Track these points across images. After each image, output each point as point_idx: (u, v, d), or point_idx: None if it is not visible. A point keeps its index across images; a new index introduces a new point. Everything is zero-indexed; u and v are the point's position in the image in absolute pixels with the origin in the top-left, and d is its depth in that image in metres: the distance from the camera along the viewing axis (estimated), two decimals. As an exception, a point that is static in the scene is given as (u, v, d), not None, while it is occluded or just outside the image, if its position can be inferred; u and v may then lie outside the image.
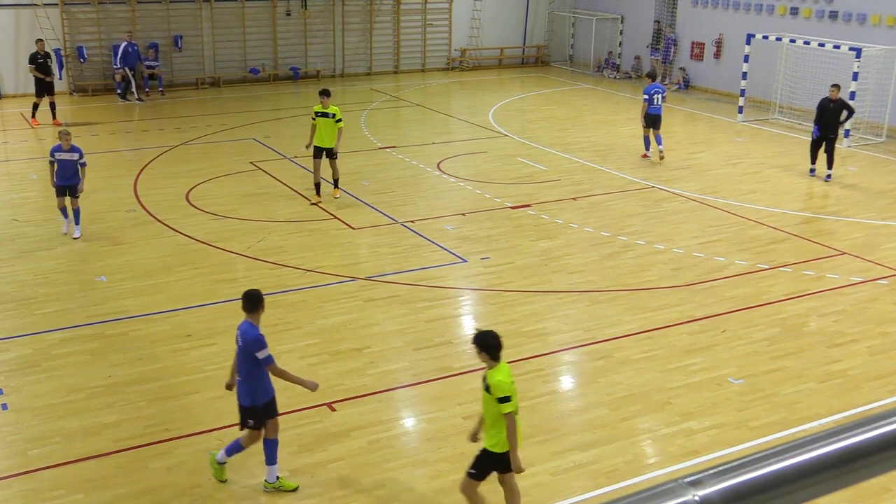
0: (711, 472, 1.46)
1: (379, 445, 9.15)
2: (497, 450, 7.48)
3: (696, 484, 1.44)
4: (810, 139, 19.27)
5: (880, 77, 22.31)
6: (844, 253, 14.72)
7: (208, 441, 9.15)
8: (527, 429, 9.42)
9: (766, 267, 14.06)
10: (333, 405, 9.87)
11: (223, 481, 8.49)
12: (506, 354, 10.96)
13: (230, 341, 11.27)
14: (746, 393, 10.24)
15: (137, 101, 26.42)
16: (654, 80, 20.74)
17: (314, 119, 16.77)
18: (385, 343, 11.39)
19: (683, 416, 9.73)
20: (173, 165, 19.62)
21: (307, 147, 17.09)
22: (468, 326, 12.30)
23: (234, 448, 8.39)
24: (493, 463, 7.58)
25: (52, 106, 23.52)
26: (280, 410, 9.69)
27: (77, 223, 15.02)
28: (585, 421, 9.66)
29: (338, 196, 17.21)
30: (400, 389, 10.37)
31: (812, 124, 19.22)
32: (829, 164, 18.85)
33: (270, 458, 8.42)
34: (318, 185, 17.00)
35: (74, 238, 14.90)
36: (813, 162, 19.19)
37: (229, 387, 8.70)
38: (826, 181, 18.77)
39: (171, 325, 11.85)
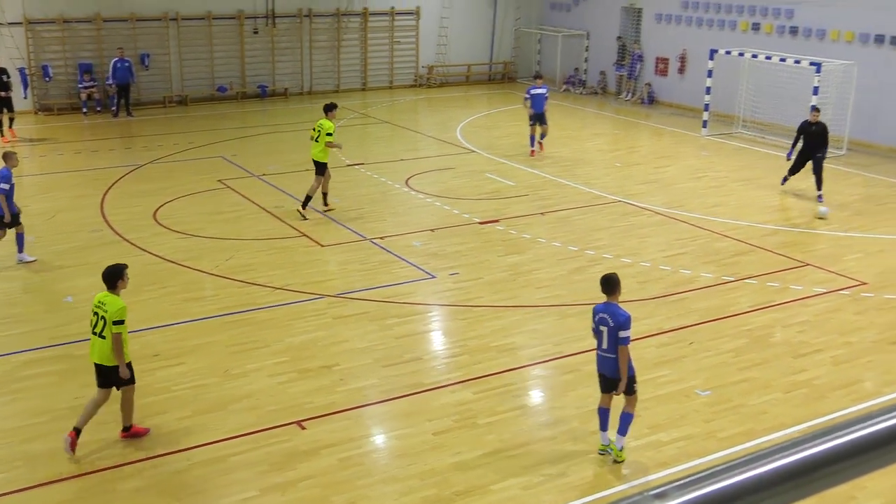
0: (676, 484, 1.46)
1: (349, 463, 9.09)
2: None
3: (661, 496, 1.44)
4: (787, 158, 18.94)
5: (840, 91, 22.65)
6: (808, 264, 14.89)
7: (177, 462, 9.05)
8: (497, 443, 9.43)
9: (732, 279, 14.18)
10: (303, 423, 9.80)
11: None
12: (474, 369, 11.03)
13: (199, 361, 11.23)
14: (714, 404, 10.30)
15: (129, 117, 26.33)
16: (539, 81, 22.75)
17: (331, 135, 17.17)
18: (354, 360, 11.34)
19: (652, 428, 9.76)
20: (140, 184, 19.46)
21: (338, 147, 17.81)
22: (438, 342, 12.29)
23: (627, 421, 9.03)
24: None
25: (10, 121, 23.54)
26: (249, 430, 9.66)
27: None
28: (555, 435, 9.67)
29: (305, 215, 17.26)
30: (370, 406, 10.32)
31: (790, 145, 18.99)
32: (819, 185, 18.40)
33: (623, 429, 9.07)
34: (325, 195, 17.47)
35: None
36: (791, 173, 18.86)
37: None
38: (818, 202, 18.16)
39: (139, 344, 11.69)
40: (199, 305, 13.05)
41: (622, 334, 8.70)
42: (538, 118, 22.08)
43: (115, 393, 9.36)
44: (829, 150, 21.66)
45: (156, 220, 16.93)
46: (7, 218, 14.27)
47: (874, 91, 22.91)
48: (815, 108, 18.95)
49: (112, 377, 9.23)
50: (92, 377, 10.78)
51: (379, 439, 9.84)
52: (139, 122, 26.34)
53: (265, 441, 9.44)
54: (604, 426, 9.13)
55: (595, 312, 8.95)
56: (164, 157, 21.94)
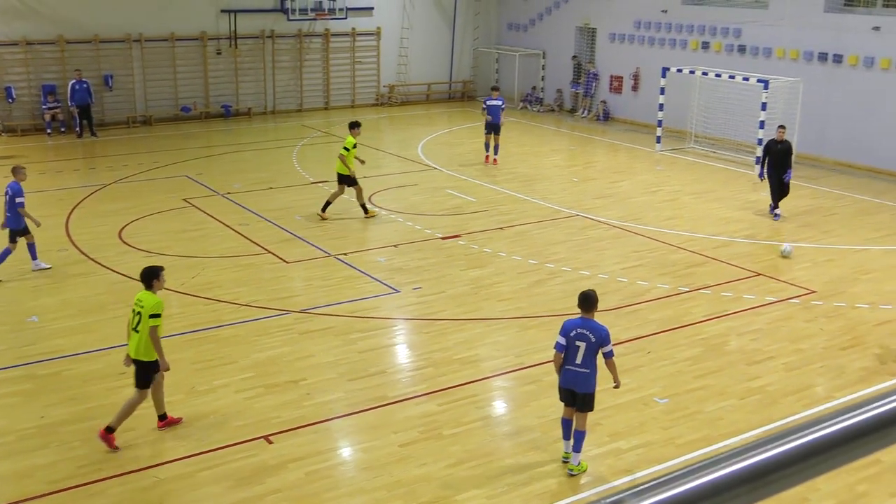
0: (632, 491, 1.46)
1: (317, 476, 9.03)
2: None
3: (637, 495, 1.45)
4: (759, 178, 18.79)
5: (786, 107, 23.00)
6: (759, 274, 15.08)
7: (143, 479, 8.92)
8: (461, 454, 9.42)
9: (687, 290, 14.32)
10: (270, 438, 9.72)
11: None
12: (439, 382, 11.01)
13: (165, 378, 11.05)
14: (672, 411, 10.38)
15: (93, 138, 26.07)
16: (496, 93, 23.41)
17: (349, 151, 17.96)
18: (320, 374, 11.28)
19: (612, 436, 9.81)
20: (105, 204, 19.23)
21: (355, 171, 18.19)
22: (402, 356, 12.26)
23: (581, 438, 9.07)
24: None
25: None
26: (216, 445, 9.55)
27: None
28: (519, 444, 9.68)
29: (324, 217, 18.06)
30: (336, 420, 10.26)
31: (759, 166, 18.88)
32: (777, 199, 18.37)
33: (578, 447, 9.11)
34: (364, 206, 18.18)
35: None
36: (774, 200, 18.45)
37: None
38: (775, 220, 18.30)
39: (105, 363, 11.56)
40: (166, 323, 12.80)
41: (606, 349, 8.79)
42: (494, 128, 22.90)
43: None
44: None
45: (121, 239, 16.74)
46: (1, 228, 14.63)
47: (819, 106, 23.32)
48: (781, 126, 18.56)
49: (144, 372, 9.51)
50: (56, 396, 10.64)
51: (345, 452, 9.79)
52: (103, 142, 26.05)
53: (232, 456, 9.34)
54: (567, 435, 9.14)
55: (571, 328, 8.85)
56: (128, 177, 21.72)
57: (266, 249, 16.17)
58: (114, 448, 9.39)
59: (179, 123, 28.81)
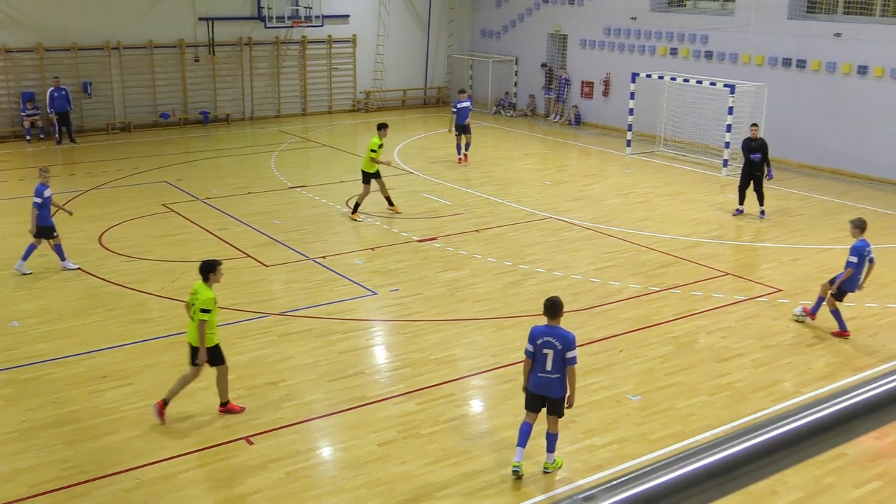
0: (604, 487, 1.48)
1: (297, 476, 9.00)
2: None
3: (589, 499, 1.46)
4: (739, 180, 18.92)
5: (752, 110, 23.20)
6: (727, 274, 15.19)
7: (126, 481, 8.86)
8: (439, 452, 9.42)
9: (658, 289, 14.40)
10: (251, 439, 9.68)
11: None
12: (417, 381, 11.01)
13: (146, 381, 11.01)
14: (644, 408, 10.44)
15: (72, 144, 25.86)
16: (463, 95, 24.25)
17: (375, 151, 18.20)
18: (300, 376, 11.24)
19: (586, 432, 9.85)
20: (85, 209, 19.05)
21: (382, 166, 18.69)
22: (380, 356, 12.25)
23: (554, 440, 9.01)
24: None
25: None
26: (197, 446, 9.50)
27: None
28: (495, 442, 9.69)
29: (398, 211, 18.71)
30: (316, 420, 10.23)
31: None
32: (761, 201, 18.53)
33: (552, 447, 9.03)
34: (388, 199, 18.65)
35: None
36: (741, 202, 18.81)
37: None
38: (761, 217, 18.52)
39: (87, 367, 11.46)
40: (146, 327, 12.82)
41: (570, 354, 8.62)
42: (463, 129, 23.79)
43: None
44: (741, 165, 22.16)
45: (101, 244, 16.60)
46: (33, 230, 14.66)
47: (784, 110, 23.55)
48: (754, 125, 18.73)
49: (192, 355, 9.91)
50: (37, 400, 10.57)
51: (325, 452, 9.76)
52: (83, 148, 25.83)
53: (214, 457, 9.30)
54: (522, 442, 8.91)
55: (537, 335, 8.70)
56: (108, 183, 21.55)
57: (245, 253, 16.09)
58: (162, 421, 9.86)
59: (158, 130, 28.62)
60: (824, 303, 12.73)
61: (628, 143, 25.64)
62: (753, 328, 12.89)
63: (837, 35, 22.55)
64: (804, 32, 23.31)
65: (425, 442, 9.63)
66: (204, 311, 9.70)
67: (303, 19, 30.25)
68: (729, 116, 22.36)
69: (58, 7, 26.70)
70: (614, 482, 1.48)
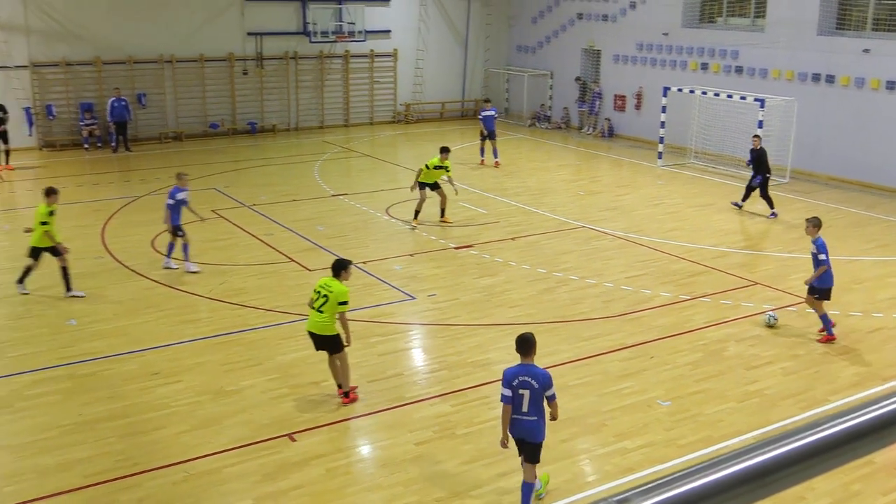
0: (638, 490, 1.47)
1: (337, 473, 9.05)
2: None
3: (623, 502, 1.46)
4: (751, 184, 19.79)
5: (782, 124, 22.97)
6: (757, 283, 15.02)
7: (175, 473, 8.97)
8: (474, 452, 9.42)
9: (688, 298, 14.28)
10: (293, 436, 9.75)
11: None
12: (453, 384, 11.02)
13: (195, 378, 11.14)
14: (674, 413, 10.35)
15: (127, 152, 26.28)
16: (488, 104, 25.55)
17: (429, 169, 18.21)
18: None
19: (618, 436, 9.79)
20: (138, 214, 19.35)
21: (411, 190, 18.66)
22: (418, 359, 12.28)
23: (529, 492, 8.22)
24: None
25: (7, 153, 23.93)
26: (242, 442, 9.59)
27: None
28: (528, 443, 9.65)
29: (450, 223, 18.61)
30: (355, 419, 10.28)
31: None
32: (770, 204, 19.49)
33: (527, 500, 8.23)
34: (418, 212, 18.57)
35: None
36: (743, 200, 19.94)
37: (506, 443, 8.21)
38: (771, 217, 19.36)
39: (139, 364, 11.63)
40: (195, 327, 12.98)
41: (549, 393, 7.94)
42: (490, 134, 24.80)
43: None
44: (772, 177, 21.97)
45: (153, 247, 16.83)
46: (169, 228, 15.21)
47: (813, 124, 23.26)
48: (755, 136, 19.90)
49: (325, 344, 10.35)
50: (93, 395, 10.74)
51: (364, 450, 9.80)
52: (137, 156, 26.21)
53: (258, 453, 9.38)
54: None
55: (512, 376, 7.96)
56: (160, 190, 21.79)
57: (289, 258, 16.22)
58: (355, 399, 10.50)
59: (208, 139, 28.95)
60: (816, 310, 12.71)
61: (660, 155, 25.46)
62: (782, 337, 12.72)
63: (866, 51, 22.22)
64: (833, 48, 23.00)
65: (460, 442, 9.63)
66: (342, 303, 10.10)
67: (346, 34, 30.47)
68: (759, 130, 22.11)
69: (115, 23, 27.16)
70: (647, 485, 1.48)
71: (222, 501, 8.52)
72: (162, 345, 12.27)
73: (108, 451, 9.41)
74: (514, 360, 11.80)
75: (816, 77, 23.42)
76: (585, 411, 10.35)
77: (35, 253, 14.03)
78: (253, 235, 17.74)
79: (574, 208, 20.27)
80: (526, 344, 8.12)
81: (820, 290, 12.44)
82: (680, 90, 24.85)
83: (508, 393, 7.94)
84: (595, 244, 17.35)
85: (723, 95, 23.71)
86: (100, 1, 26.86)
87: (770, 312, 13.23)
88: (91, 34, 26.91)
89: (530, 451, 8.10)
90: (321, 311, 10.15)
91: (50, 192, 14.10)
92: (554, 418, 8.28)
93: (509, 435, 8.10)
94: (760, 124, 22.09)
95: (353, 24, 30.51)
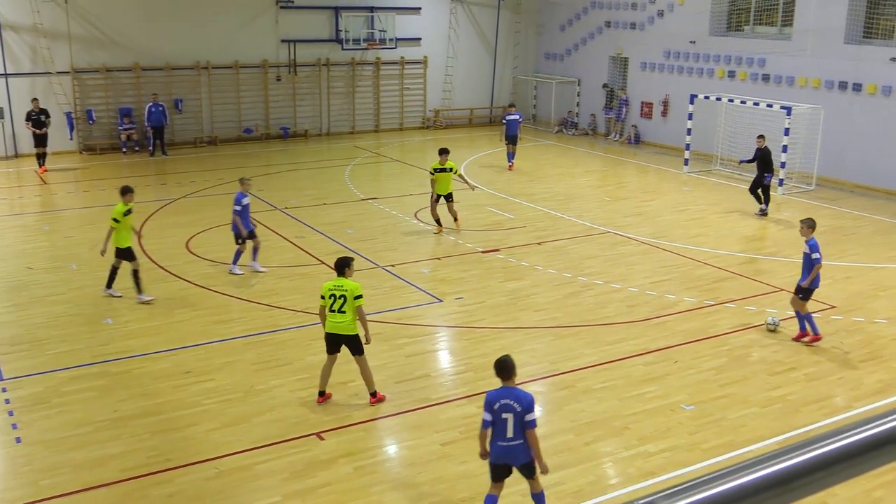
0: (662, 494, 1.46)
1: (364, 471, 9.06)
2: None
3: (669, 497, 1.45)
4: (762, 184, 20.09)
5: (808, 132, 22.71)
6: (781, 290, 14.85)
7: (206, 470, 9.03)
8: (499, 454, 9.37)
9: (712, 303, 14.15)
10: (322, 435, 9.78)
11: None
12: (478, 385, 11.00)
13: (226, 377, 11.21)
14: (697, 418, 10.26)
15: (164, 156, 26.56)
16: (512, 109, 25.73)
17: (433, 174, 18.02)
18: (369, 377, 11.30)
19: (641, 439, 9.72)
20: (174, 217, 19.53)
21: (432, 199, 18.26)
22: (444, 361, 12.27)
23: (540, 500, 7.99)
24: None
25: (43, 156, 24.24)
26: (272, 440, 9.63)
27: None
28: (552, 445, 9.61)
29: (460, 229, 18.23)
30: (383, 419, 10.29)
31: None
32: (764, 202, 20.07)
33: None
34: (438, 220, 18.22)
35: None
36: (766, 204, 20.15)
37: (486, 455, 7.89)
38: (762, 215, 19.90)
39: (172, 362, 11.73)
40: (227, 327, 13.06)
41: (529, 417, 7.50)
42: (512, 139, 24.99)
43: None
44: (798, 184, 21.69)
45: (188, 249, 16.97)
46: (244, 234, 15.18)
47: (839, 132, 22.97)
48: (760, 136, 20.13)
49: (347, 344, 10.28)
50: (127, 392, 10.84)
51: (391, 449, 9.80)
52: (173, 160, 26.47)
53: (287, 451, 9.41)
54: None
55: (494, 400, 7.56)
56: (195, 192, 22.03)
57: (320, 260, 16.28)
58: (382, 399, 10.54)
59: (242, 144, 29.17)
60: (800, 312, 12.61)
61: (686, 162, 25.27)
62: (805, 343, 12.55)
63: (894, 59, 21.91)
64: (860, 56, 22.70)
65: (485, 443, 9.59)
66: (358, 297, 10.09)
67: (377, 42, 30.57)
68: (785, 137, 21.90)
69: (154, 30, 27.46)
70: (672, 489, 1.46)
71: (252, 498, 8.56)
72: (195, 344, 12.36)
73: (141, 447, 9.49)
74: (539, 362, 11.83)
75: (843, 85, 23.14)
76: (609, 414, 10.28)
77: (124, 254, 13.93)
78: (284, 238, 17.83)
79: (600, 214, 20.17)
80: (505, 367, 7.71)
81: (806, 290, 12.39)
82: (707, 97, 24.66)
83: (489, 418, 7.56)
84: (620, 249, 17.25)
85: (749, 103, 23.48)
86: (139, 9, 27.18)
87: (771, 317, 13.06)
88: (130, 41, 27.22)
89: (524, 469, 7.74)
90: (343, 312, 10.09)
91: (126, 191, 14.17)
92: (541, 466, 7.71)
93: (487, 449, 7.77)
94: (787, 132, 21.86)
95: (385, 31, 30.61)
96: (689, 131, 24.91)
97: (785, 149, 21.98)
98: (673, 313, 13.71)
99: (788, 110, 21.92)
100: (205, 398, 10.66)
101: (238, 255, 15.40)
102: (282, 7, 29.31)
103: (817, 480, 1.61)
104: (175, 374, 11.37)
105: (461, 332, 13.05)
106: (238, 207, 15.20)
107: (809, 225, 12.63)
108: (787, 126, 21.89)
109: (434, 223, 18.27)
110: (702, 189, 23.11)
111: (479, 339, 12.62)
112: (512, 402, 7.50)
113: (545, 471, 7.78)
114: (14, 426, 9.92)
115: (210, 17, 28.28)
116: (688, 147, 25.11)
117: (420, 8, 31.95)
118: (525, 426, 7.51)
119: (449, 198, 18.15)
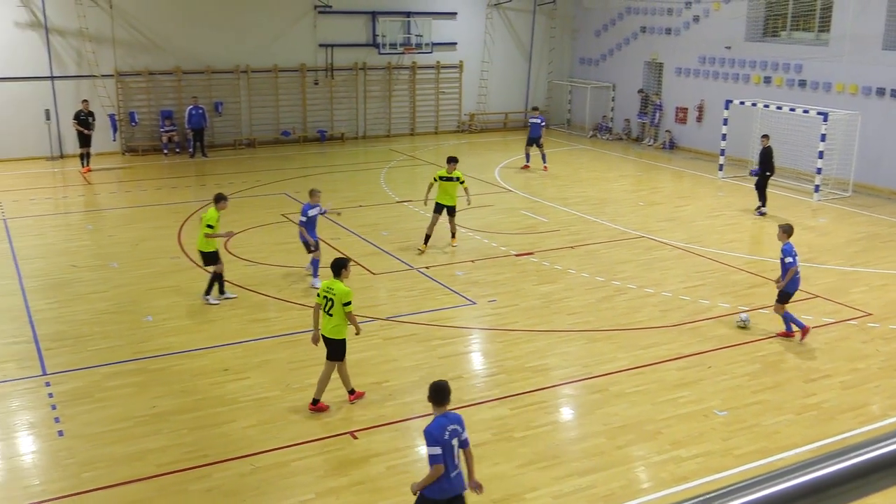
0: (693, 501, 1.45)
1: (396, 470, 9.08)
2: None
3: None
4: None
5: (845, 138, 22.38)
6: (817, 296, 14.65)
7: (243, 466, 9.11)
8: (530, 455, 9.36)
9: (747, 309, 13.98)
10: (355, 434, 9.82)
11: None
12: (511, 388, 10.99)
13: (262, 375, 11.30)
14: (730, 424, 10.15)
15: (203, 158, 26.88)
16: (535, 112, 26.40)
17: (435, 181, 17.11)
18: (402, 377, 11.35)
19: (673, 444, 9.63)
20: (213, 217, 19.70)
21: (425, 203, 17.73)
22: (477, 362, 12.26)
23: None
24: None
25: (87, 156, 24.70)
26: (306, 438, 9.69)
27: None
28: (584, 449, 9.58)
29: (455, 245, 17.40)
30: (415, 419, 10.30)
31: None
32: (762, 201, 20.55)
33: None
34: (428, 237, 17.04)
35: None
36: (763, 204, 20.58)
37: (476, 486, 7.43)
38: (759, 215, 20.28)
39: (210, 360, 11.85)
40: (263, 326, 13.17)
41: (465, 435, 7.16)
42: (534, 141, 25.58)
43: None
44: (834, 191, 21.34)
45: (226, 249, 17.14)
46: (311, 243, 14.79)
47: (876, 138, 22.61)
48: (764, 136, 20.48)
49: (329, 346, 10.18)
50: (166, 388, 10.96)
51: (423, 449, 9.77)
52: (213, 162, 26.75)
53: (321, 449, 9.47)
54: None
55: (440, 429, 6.97)
56: (234, 194, 22.21)
57: (355, 262, 16.36)
58: (326, 409, 10.29)
59: (280, 146, 29.41)
60: (782, 313, 12.72)
61: (720, 167, 25.03)
62: (842, 350, 12.38)
63: (934, 65, 21.52)
64: (900, 62, 22.33)
65: (517, 445, 9.59)
66: (347, 303, 9.95)
67: (414, 47, 30.66)
68: (821, 143, 21.59)
69: (195, 35, 27.80)
70: (703, 497, 1.45)
71: (287, 494, 8.62)
72: (232, 342, 12.48)
73: (179, 442, 9.60)
74: (572, 365, 11.78)
75: (881, 91, 22.76)
76: (642, 419, 10.21)
77: (211, 258, 13.94)
78: (321, 239, 17.90)
79: (634, 218, 20.04)
80: (441, 392, 7.16)
81: (784, 294, 12.54)
82: (742, 103, 24.39)
83: (438, 451, 6.92)
84: (654, 254, 17.12)
85: (785, 109, 23.20)
86: (181, 14, 27.53)
87: (742, 315, 13.14)
88: (172, 45, 27.58)
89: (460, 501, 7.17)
90: (330, 315, 10.04)
91: (219, 199, 14.07)
92: (477, 485, 7.31)
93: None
94: (823, 138, 21.55)
95: (421, 36, 30.69)
96: (724, 137, 24.66)
97: (821, 155, 21.67)
98: (706, 318, 13.58)
99: (825, 116, 21.61)
100: (241, 395, 10.76)
101: (315, 264, 15.01)
102: (320, 12, 29.52)
103: (852, 490, 1.59)
104: (213, 371, 11.49)
105: (494, 334, 13.04)
106: (304, 218, 14.84)
107: (786, 230, 12.86)
108: (823, 132, 21.58)
109: (422, 239, 17.06)
110: (737, 195, 22.86)
111: (512, 342, 12.60)
112: (456, 426, 7.09)
113: (482, 490, 7.42)
114: (57, 420, 10.09)
115: (250, 22, 28.57)
116: (723, 152, 24.86)
117: (456, 13, 32.00)
118: (462, 445, 7.14)
119: (451, 211, 17.12)
